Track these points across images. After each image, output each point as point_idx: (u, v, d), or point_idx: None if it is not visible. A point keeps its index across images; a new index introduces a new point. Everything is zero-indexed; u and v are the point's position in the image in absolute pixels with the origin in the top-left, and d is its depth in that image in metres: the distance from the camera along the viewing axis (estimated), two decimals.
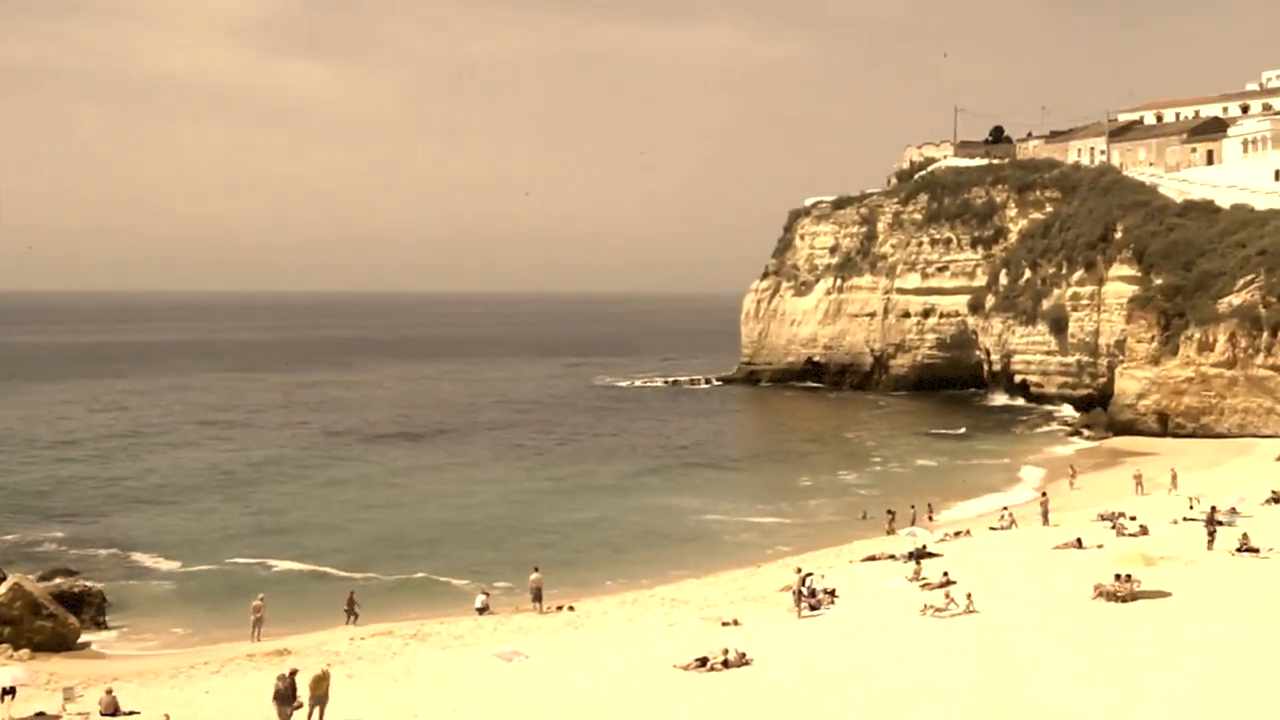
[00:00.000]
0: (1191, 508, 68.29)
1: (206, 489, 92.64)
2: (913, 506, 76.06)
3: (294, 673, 38.83)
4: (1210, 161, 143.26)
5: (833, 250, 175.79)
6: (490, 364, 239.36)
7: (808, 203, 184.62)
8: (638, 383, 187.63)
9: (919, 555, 60.12)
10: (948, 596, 50.14)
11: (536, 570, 58.25)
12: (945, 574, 54.45)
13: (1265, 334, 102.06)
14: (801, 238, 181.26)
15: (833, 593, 53.05)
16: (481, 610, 56.09)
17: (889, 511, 74.86)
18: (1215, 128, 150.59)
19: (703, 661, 42.87)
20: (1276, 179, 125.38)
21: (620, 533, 77.36)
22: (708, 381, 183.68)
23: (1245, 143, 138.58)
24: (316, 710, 37.97)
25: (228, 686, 43.88)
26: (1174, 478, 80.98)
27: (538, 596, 56.84)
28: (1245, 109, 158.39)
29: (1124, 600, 49.24)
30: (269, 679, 39.99)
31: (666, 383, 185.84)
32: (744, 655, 43.44)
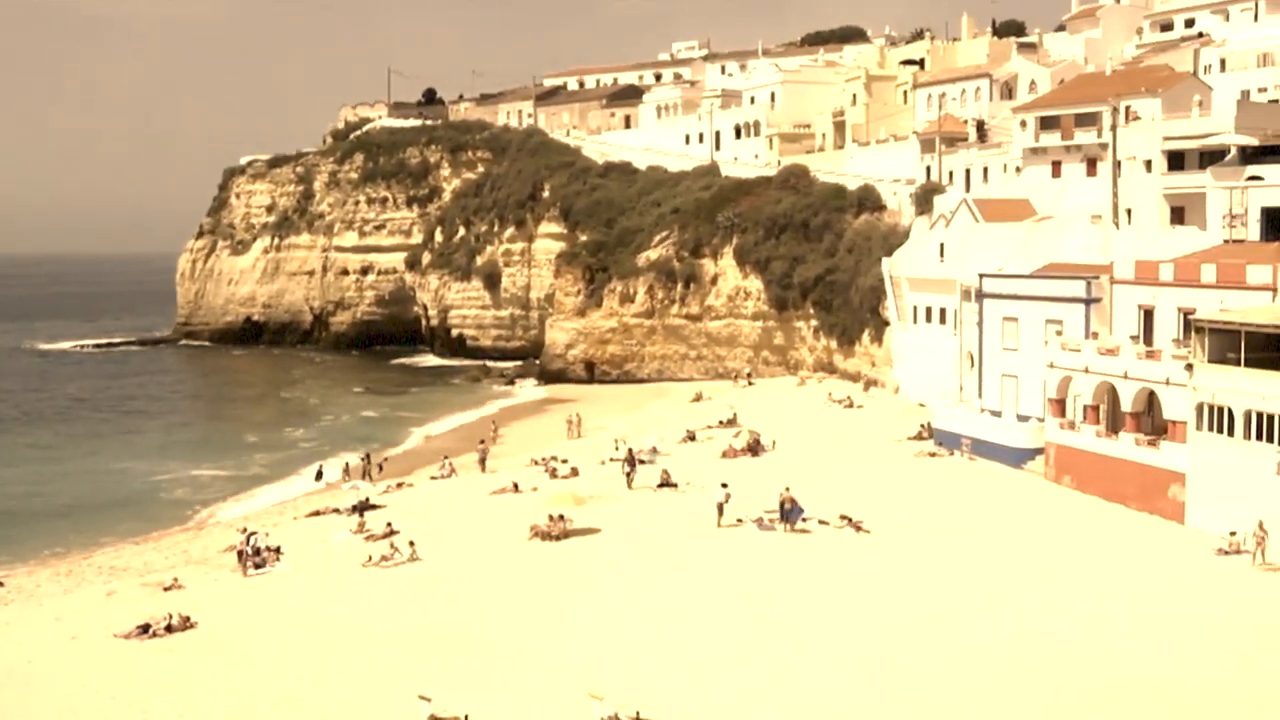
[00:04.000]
0: (617, 449, 72.79)
1: None
2: (362, 459, 77.12)
3: None
4: (628, 126, 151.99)
5: (270, 209, 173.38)
6: None
7: (243, 161, 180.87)
8: (71, 346, 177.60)
9: (363, 508, 61.08)
10: (392, 546, 51.54)
11: None
12: (389, 524, 55.84)
13: (679, 286, 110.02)
14: (237, 196, 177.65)
15: (278, 550, 53.18)
16: None
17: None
18: (632, 94, 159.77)
19: (145, 628, 42.17)
20: (687, 143, 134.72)
21: (54, 500, 73.38)
22: (145, 343, 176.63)
23: (659, 109, 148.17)
24: None
25: None
26: (579, 423, 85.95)
27: None
28: (659, 77, 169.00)
29: (558, 539, 52.40)
30: None
31: (101, 345, 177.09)
32: (188, 619, 43.08)
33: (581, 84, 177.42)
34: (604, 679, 33.82)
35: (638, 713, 29.70)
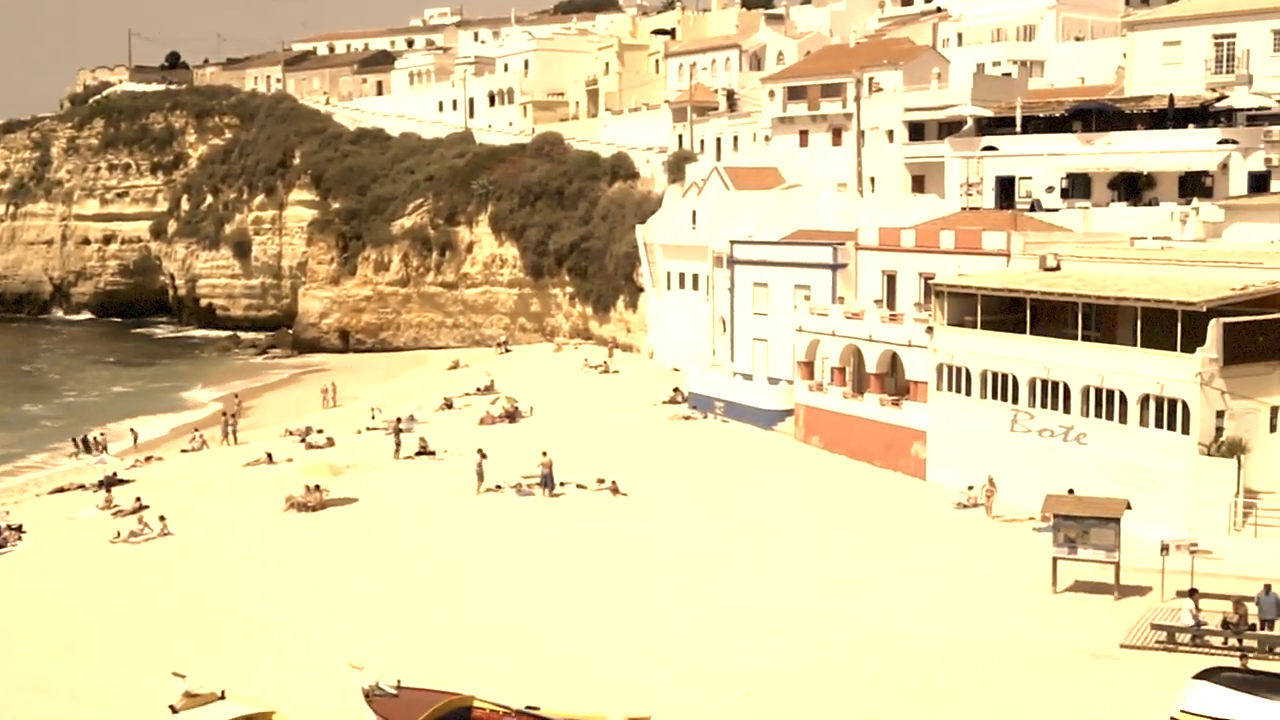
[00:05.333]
0: (374, 417, 72.33)
1: None
2: (100, 433, 74.68)
3: None
4: (380, 92, 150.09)
5: (3, 176, 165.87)
6: None
7: None
8: None
9: (110, 483, 59.29)
10: (141, 522, 50.30)
11: None
12: (138, 499, 54.34)
13: (434, 254, 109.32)
14: None
15: (19, 529, 51.34)
16: None
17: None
18: (384, 60, 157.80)
19: None
20: (440, 110, 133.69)
21: None
22: None
23: (412, 75, 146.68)
24: None
25: None
26: (334, 392, 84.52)
27: None
28: (411, 44, 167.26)
29: (314, 509, 51.88)
30: None
31: None
32: None
33: (332, 49, 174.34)
34: (364, 648, 33.71)
35: (399, 681, 29.69)
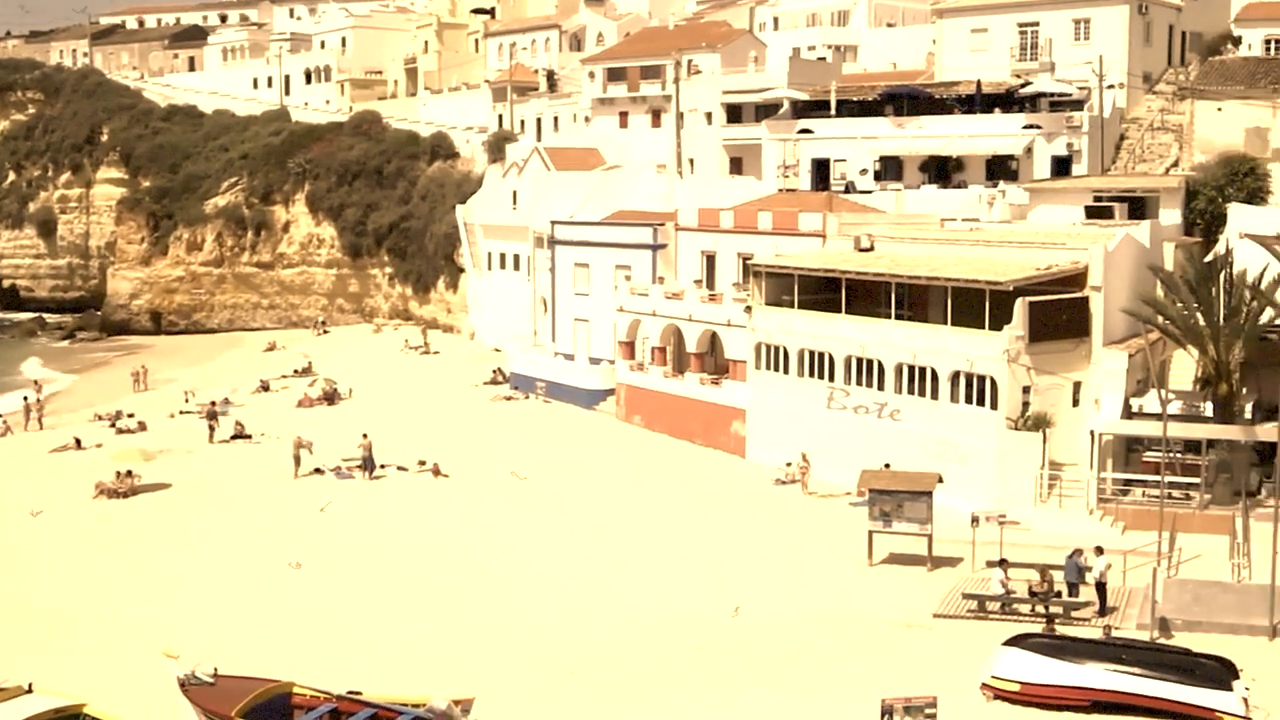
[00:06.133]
0: (187, 401, 70.70)
1: None
2: None
3: None
4: (193, 68, 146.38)
5: None
6: None
7: None
8: None
9: None
10: None
11: None
12: None
13: (249, 233, 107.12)
14: None
15: None
16: None
17: None
18: (196, 35, 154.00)
19: None
20: (255, 87, 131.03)
21: None
22: None
23: (225, 51, 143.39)
24: None
25: None
26: (145, 375, 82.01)
27: None
28: (224, 18, 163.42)
29: (126, 496, 50.58)
30: None
31: None
32: None
33: (141, 23, 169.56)
34: (179, 637, 33.02)
35: (215, 669, 29.14)
